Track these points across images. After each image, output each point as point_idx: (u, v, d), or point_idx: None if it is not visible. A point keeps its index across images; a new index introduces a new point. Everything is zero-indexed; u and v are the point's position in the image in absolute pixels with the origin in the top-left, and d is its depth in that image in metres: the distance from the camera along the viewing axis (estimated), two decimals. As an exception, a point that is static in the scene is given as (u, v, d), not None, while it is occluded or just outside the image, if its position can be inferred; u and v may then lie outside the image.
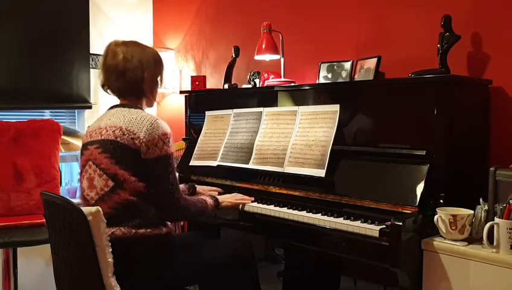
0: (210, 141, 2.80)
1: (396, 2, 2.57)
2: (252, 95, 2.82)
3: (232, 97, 2.98)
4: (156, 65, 2.05)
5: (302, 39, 2.99)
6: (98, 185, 1.87)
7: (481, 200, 1.85)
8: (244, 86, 3.02)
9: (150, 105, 2.10)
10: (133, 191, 1.85)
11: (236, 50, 3.09)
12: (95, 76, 3.67)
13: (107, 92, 2.06)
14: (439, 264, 1.81)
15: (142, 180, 1.87)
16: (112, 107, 2.04)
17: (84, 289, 1.78)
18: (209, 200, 2.13)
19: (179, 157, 3.03)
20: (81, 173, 1.98)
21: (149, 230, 1.86)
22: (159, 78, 2.07)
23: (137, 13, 3.99)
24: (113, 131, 1.89)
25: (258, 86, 2.92)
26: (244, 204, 2.30)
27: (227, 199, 2.28)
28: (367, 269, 2.46)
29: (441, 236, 1.84)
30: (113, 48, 2.00)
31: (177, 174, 1.98)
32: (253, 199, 2.33)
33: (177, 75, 3.90)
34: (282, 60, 2.94)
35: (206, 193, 2.42)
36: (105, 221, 1.76)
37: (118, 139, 1.87)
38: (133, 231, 1.83)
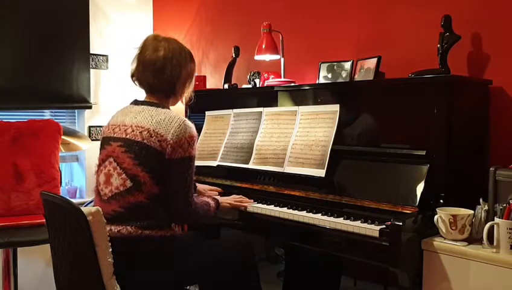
0: (210, 141, 2.80)
1: (396, 2, 2.57)
2: (252, 95, 2.82)
3: (232, 97, 2.98)
4: (191, 65, 2.04)
5: (302, 39, 2.99)
6: (114, 183, 1.86)
7: (481, 200, 1.85)
8: (244, 86, 3.02)
9: (175, 104, 2.08)
10: (149, 193, 1.84)
11: (236, 50, 3.09)
12: (95, 76, 3.67)
13: (134, 83, 2.02)
14: (439, 264, 1.81)
15: (159, 183, 1.85)
16: (136, 103, 2.00)
17: (84, 289, 1.78)
18: (211, 202, 2.11)
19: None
20: (99, 167, 1.95)
21: (155, 231, 1.85)
22: (189, 80, 2.05)
23: (137, 13, 3.99)
24: (140, 132, 1.86)
25: (258, 86, 2.91)
26: (244, 206, 2.28)
27: (227, 200, 2.27)
28: (367, 269, 2.46)
29: (441, 236, 1.84)
30: (153, 42, 1.97)
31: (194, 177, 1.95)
32: (252, 201, 2.32)
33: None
34: (282, 60, 2.94)
35: (206, 192, 2.42)
36: (111, 219, 1.78)
37: (145, 141, 1.85)
38: (140, 231, 1.83)
